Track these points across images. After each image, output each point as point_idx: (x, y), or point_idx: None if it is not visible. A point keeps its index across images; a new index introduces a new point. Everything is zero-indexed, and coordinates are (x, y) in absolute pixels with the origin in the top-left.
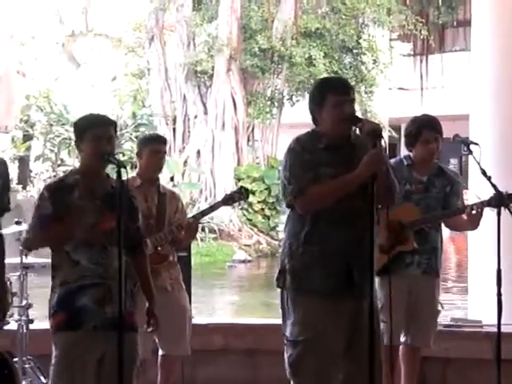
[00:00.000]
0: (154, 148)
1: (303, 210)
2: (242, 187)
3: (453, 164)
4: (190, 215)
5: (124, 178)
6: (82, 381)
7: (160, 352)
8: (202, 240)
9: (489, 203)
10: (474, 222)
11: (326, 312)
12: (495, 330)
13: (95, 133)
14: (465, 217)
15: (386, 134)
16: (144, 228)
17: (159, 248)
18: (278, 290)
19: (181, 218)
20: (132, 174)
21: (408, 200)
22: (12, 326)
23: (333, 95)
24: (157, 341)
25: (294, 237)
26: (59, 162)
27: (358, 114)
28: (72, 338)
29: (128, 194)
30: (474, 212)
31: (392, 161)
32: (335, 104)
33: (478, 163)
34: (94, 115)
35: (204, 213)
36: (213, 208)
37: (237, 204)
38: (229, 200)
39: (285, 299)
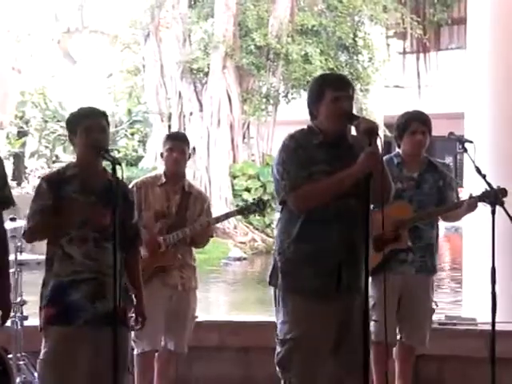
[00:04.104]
0: (168, 147)
1: (297, 206)
2: (260, 199)
3: (448, 162)
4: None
5: (119, 175)
6: (72, 376)
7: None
8: None
9: (480, 198)
10: (469, 210)
11: (314, 311)
12: (489, 328)
13: (86, 124)
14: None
15: (381, 132)
16: (160, 226)
17: (172, 248)
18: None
19: (205, 220)
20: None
21: (400, 198)
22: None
23: (331, 91)
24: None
25: (285, 235)
26: (54, 159)
27: (355, 111)
28: (63, 333)
29: (124, 190)
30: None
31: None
32: (332, 100)
33: (473, 161)
34: (85, 108)
35: (218, 219)
36: (227, 215)
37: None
38: (244, 210)
39: (276, 297)
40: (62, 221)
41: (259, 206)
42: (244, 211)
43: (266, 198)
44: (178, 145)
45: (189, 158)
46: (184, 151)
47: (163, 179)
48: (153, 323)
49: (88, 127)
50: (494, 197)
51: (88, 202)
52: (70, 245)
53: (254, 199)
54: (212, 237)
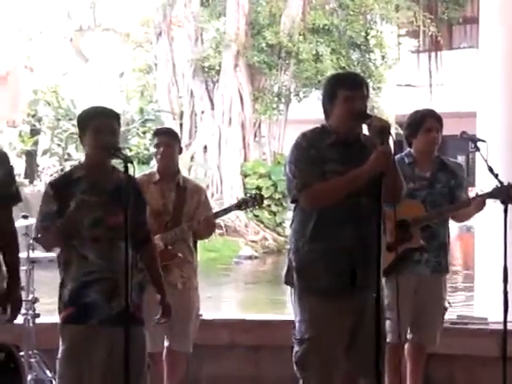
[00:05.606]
0: (154, 143)
1: (308, 204)
2: (256, 193)
3: (460, 161)
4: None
5: (131, 173)
6: (89, 374)
7: (165, 343)
8: None
9: (490, 195)
10: (478, 209)
11: (330, 311)
12: (501, 327)
13: (97, 125)
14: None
15: (393, 131)
16: (158, 224)
17: (169, 246)
18: (286, 286)
19: (205, 212)
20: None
21: (412, 198)
22: (18, 319)
23: (344, 90)
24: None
25: (299, 234)
26: (66, 157)
27: (368, 110)
28: (79, 332)
29: (136, 186)
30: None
31: None
32: (346, 99)
33: (485, 160)
34: (96, 108)
35: (217, 215)
36: (226, 211)
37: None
38: (242, 204)
39: (292, 297)
40: (70, 220)
41: (257, 200)
42: (242, 205)
43: (277, 196)
44: (163, 139)
45: (180, 152)
46: (170, 145)
47: (157, 176)
48: (153, 325)
49: (98, 128)
50: (503, 193)
51: (98, 201)
52: (84, 246)
53: (251, 193)
54: (214, 227)
